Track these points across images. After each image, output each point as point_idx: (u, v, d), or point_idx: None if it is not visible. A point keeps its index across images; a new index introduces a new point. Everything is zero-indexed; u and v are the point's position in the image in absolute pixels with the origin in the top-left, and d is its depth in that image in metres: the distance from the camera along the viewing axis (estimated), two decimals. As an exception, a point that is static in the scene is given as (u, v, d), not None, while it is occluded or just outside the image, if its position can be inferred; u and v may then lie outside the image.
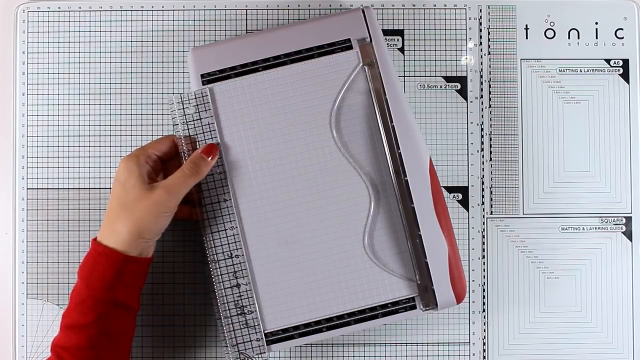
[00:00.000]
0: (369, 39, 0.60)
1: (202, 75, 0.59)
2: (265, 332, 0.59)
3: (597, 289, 0.65)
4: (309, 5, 0.65)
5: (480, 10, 0.65)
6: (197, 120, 0.59)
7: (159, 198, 0.55)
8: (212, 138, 0.59)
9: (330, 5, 0.65)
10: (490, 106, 0.65)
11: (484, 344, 0.64)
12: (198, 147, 0.59)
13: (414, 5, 0.65)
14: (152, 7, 0.65)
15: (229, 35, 0.65)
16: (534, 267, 0.65)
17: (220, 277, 0.59)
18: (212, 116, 0.59)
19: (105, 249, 0.55)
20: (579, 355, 0.64)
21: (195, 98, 0.59)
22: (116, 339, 0.56)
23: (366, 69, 0.59)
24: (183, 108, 0.59)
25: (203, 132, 0.59)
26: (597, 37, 0.65)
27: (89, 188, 0.64)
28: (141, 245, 0.56)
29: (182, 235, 0.64)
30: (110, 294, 0.55)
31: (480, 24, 0.65)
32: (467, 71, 0.65)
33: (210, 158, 0.58)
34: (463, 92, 0.65)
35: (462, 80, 0.65)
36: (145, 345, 0.63)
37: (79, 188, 0.64)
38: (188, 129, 0.59)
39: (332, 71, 0.60)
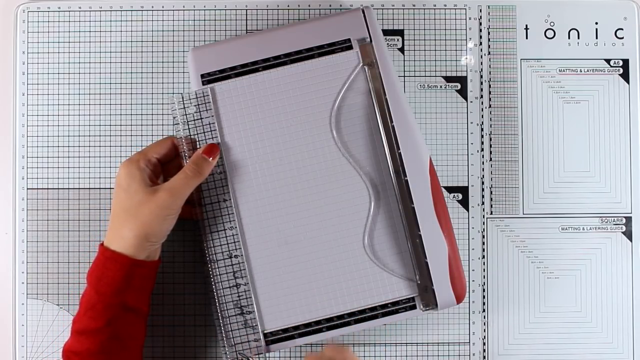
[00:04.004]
0: (369, 39, 0.60)
1: (202, 75, 0.59)
2: (265, 332, 0.59)
3: (597, 289, 0.65)
4: (309, 5, 0.65)
5: (480, 10, 0.65)
6: (197, 120, 0.59)
7: (163, 201, 0.55)
8: (212, 138, 0.59)
9: (330, 5, 0.65)
10: (490, 106, 0.65)
11: (484, 344, 0.64)
12: (199, 147, 0.59)
13: (414, 5, 0.65)
14: (152, 7, 0.65)
15: (229, 35, 0.65)
16: (534, 267, 0.65)
17: (219, 277, 0.59)
18: (212, 116, 0.59)
19: (113, 253, 0.55)
20: (579, 355, 0.64)
21: (197, 98, 0.59)
22: (127, 343, 0.56)
23: (366, 69, 0.59)
24: (184, 108, 0.59)
25: (204, 132, 0.59)
26: (597, 37, 0.65)
27: (89, 188, 0.64)
28: (148, 248, 0.56)
29: (182, 235, 0.64)
30: (120, 299, 0.55)
31: (480, 24, 0.65)
32: (467, 71, 0.65)
33: (211, 158, 0.57)
34: (463, 92, 0.65)
35: (462, 80, 0.65)
36: (145, 345, 0.63)
37: (79, 188, 0.64)
38: (189, 128, 0.59)
39: (332, 71, 0.60)
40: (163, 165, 0.59)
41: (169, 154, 0.59)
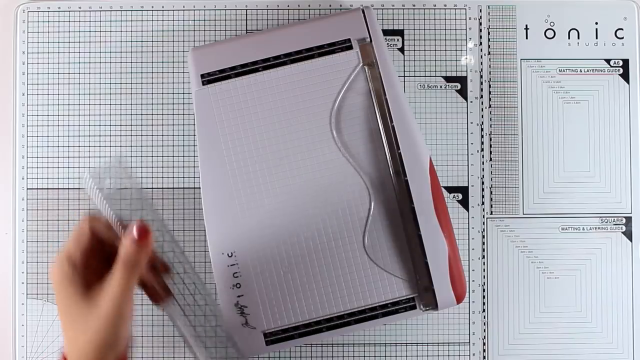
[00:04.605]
0: (369, 39, 0.60)
1: (202, 75, 0.60)
2: (265, 332, 0.59)
3: (597, 289, 0.65)
4: (309, 5, 0.65)
5: (480, 10, 0.65)
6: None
7: (108, 310, 0.47)
8: (212, 138, 0.59)
9: (330, 5, 0.65)
10: (490, 106, 0.65)
11: (484, 344, 0.64)
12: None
13: (414, 5, 0.65)
14: (152, 7, 0.65)
15: (229, 35, 0.65)
16: (534, 267, 0.65)
17: (219, 277, 0.59)
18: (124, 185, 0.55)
19: None
20: (579, 355, 0.64)
21: (110, 169, 0.54)
22: None
23: (366, 69, 0.59)
24: (99, 180, 0.53)
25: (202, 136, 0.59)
26: (597, 37, 0.65)
27: (89, 188, 0.64)
28: (115, 350, 0.49)
29: (182, 235, 0.64)
30: None
31: (480, 24, 0.65)
32: (467, 71, 0.65)
33: (144, 244, 0.48)
34: (463, 92, 0.65)
35: (462, 80, 0.65)
36: (145, 345, 0.63)
37: (79, 188, 0.64)
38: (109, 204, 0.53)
39: (332, 71, 0.60)
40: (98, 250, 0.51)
41: (92, 241, 0.51)
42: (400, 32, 0.65)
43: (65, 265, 0.49)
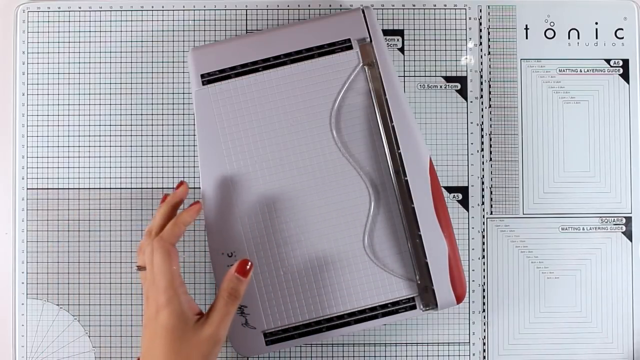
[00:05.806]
0: (369, 39, 0.60)
1: (202, 75, 0.60)
2: (265, 332, 0.59)
3: (597, 289, 0.65)
4: (309, 5, 0.65)
5: (480, 10, 0.65)
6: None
7: (211, 337, 0.53)
8: (212, 138, 0.59)
9: (330, 5, 0.65)
10: (490, 106, 0.65)
11: (484, 344, 0.64)
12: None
13: (414, 5, 0.65)
14: (152, 7, 0.65)
15: (229, 35, 0.65)
16: (534, 267, 0.65)
17: (220, 277, 0.58)
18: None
19: None
20: (579, 355, 0.64)
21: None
22: None
23: (366, 69, 0.59)
24: None
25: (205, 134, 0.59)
26: (597, 37, 0.65)
27: (89, 188, 0.64)
28: None
29: (183, 235, 0.63)
30: None
31: (480, 24, 0.65)
32: (467, 71, 0.65)
33: (246, 277, 0.55)
34: (463, 92, 0.65)
35: (462, 80, 0.65)
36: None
37: (79, 188, 0.64)
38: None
39: (332, 71, 0.60)
40: None
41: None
42: (400, 32, 0.65)
43: (179, 295, 0.54)
